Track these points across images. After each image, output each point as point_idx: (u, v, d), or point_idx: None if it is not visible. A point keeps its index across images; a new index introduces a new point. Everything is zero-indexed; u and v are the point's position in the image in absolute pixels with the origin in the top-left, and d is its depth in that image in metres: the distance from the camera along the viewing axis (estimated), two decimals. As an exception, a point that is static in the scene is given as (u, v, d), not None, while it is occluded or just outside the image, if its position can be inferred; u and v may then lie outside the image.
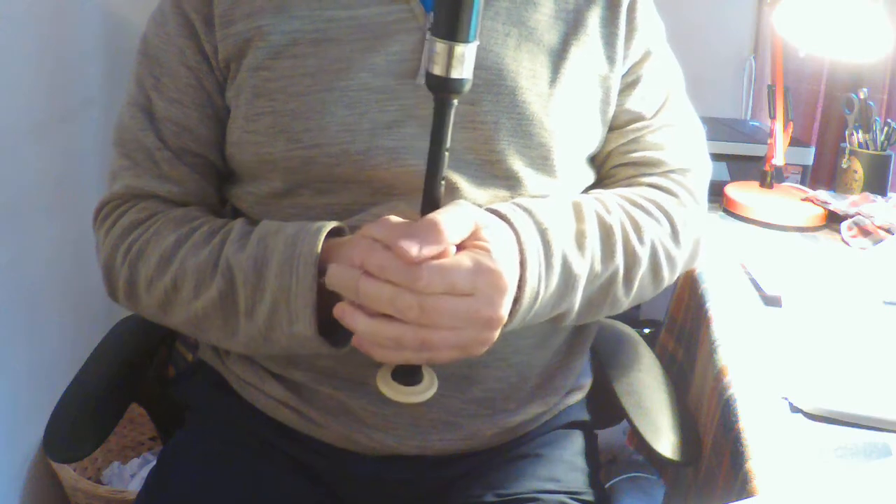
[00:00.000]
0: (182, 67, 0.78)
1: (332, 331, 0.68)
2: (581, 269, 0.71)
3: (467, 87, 0.60)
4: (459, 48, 0.58)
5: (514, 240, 0.66)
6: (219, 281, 0.70)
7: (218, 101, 0.79)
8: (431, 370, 0.66)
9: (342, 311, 0.62)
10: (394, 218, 0.63)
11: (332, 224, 0.68)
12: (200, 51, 0.77)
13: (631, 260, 0.75)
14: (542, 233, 0.69)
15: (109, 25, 1.65)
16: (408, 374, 0.64)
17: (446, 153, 0.61)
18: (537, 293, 0.68)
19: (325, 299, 0.66)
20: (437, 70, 0.59)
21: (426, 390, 0.65)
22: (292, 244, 0.68)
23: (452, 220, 0.61)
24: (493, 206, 0.69)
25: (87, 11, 1.57)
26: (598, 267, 0.73)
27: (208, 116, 0.79)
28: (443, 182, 0.62)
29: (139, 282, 0.75)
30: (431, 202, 0.62)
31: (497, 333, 0.63)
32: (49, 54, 1.42)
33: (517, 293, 0.65)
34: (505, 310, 0.63)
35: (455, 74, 0.59)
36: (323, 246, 0.66)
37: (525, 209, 0.70)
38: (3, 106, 1.27)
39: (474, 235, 0.63)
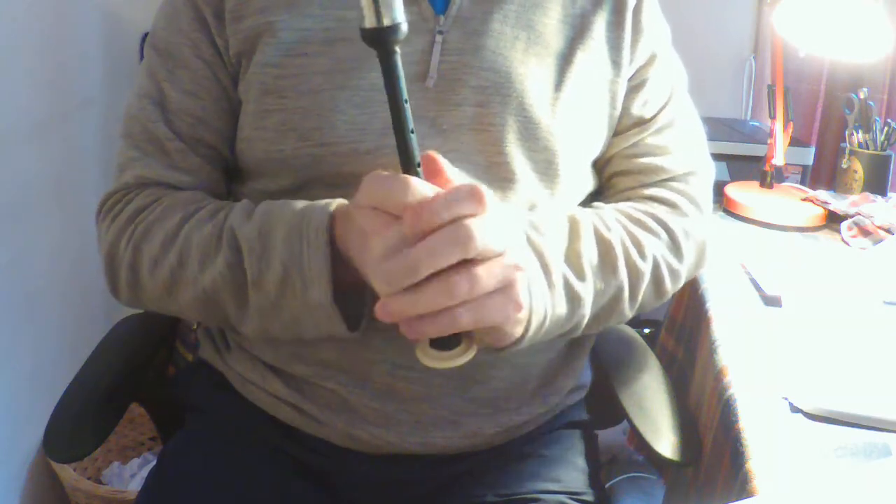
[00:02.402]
0: (197, 60, 0.78)
1: (344, 313, 0.68)
2: (582, 290, 0.72)
3: (402, 31, 0.58)
4: None
5: None
6: (224, 251, 0.70)
7: (233, 94, 0.79)
8: (468, 333, 0.65)
9: (382, 308, 0.59)
10: (383, 175, 0.60)
11: (339, 200, 0.68)
12: (213, 44, 0.77)
13: (634, 276, 0.76)
14: (539, 255, 0.70)
15: (109, 25, 1.65)
16: (446, 340, 0.63)
17: (406, 105, 0.59)
18: (545, 313, 0.68)
19: (338, 277, 0.66)
20: (368, 23, 0.58)
21: (465, 352, 0.63)
22: (300, 215, 0.68)
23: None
24: None
25: (87, 11, 1.57)
26: (599, 284, 0.74)
27: (224, 110, 0.79)
28: (413, 135, 0.60)
29: (143, 264, 0.74)
30: (407, 158, 0.60)
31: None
32: (49, 54, 1.42)
33: (528, 305, 0.65)
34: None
35: (387, 22, 0.58)
36: (332, 215, 0.66)
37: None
38: (3, 106, 1.27)
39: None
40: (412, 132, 0.60)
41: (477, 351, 0.64)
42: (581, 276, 0.72)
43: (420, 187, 0.58)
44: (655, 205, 0.82)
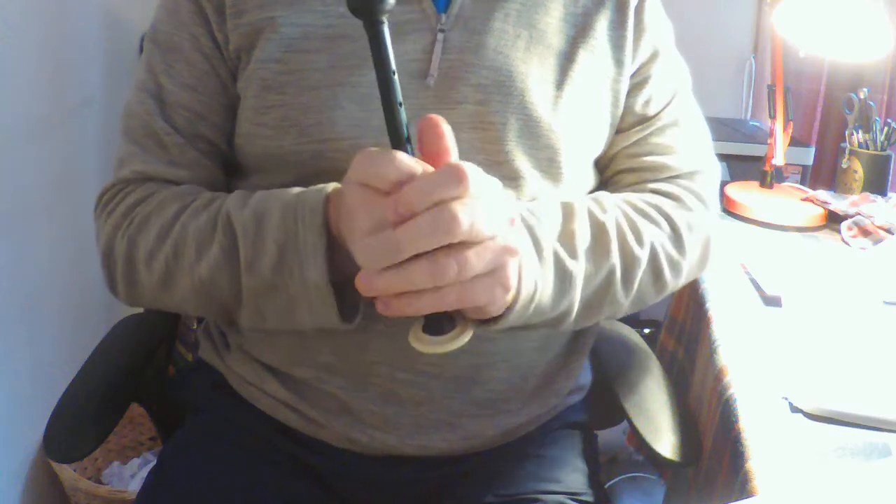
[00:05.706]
0: (197, 54, 0.78)
1: (342, 304, 0.67)
2: (574, 267, 0.71)
3: (389, 2, 0.57)
4: None
5: None
6: (219, 237, 0.69)
7: (231, 90, 0.79)
8: (462, 316, 0.64)
9: (364, 280, 0.57)
10: (373, 151, 0.59)
11: (334, 183, 0.68)
12: (213, 39, 0.77)
13: (629, 260, 0.75)
14: (530, 229, 0.69)
15: (109, 25, 1.65)
16: (438, 324, 0.62)
17: (394, 76, 0.59)
18: (535, 287, 0.67)
19: (334, 261, 0.65)
20: None
21: (461, 335, 0.62)
22: (296, 197, 0.67)
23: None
24: None
25: (87, 11, 1.57)
26: (591, 267, 0.73)
27: (222, 105, 0.79)
28: (401, 108, 0.59)
29: (139, 257, 0.74)
30: (395, 132, 0.59)
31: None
32: (49, 54, 1.42)
33: (516, 286, 0.64)
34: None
35: None
36: (327, 196, 0.66)
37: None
38: (3, 106, 1.27)
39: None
40: (400, 105, 0.58)
41: (471, 335, 0.62)
42: (573, 255, 0.71)
43: (407, 163, 0.57)
44: (659, 197, 0.81)
